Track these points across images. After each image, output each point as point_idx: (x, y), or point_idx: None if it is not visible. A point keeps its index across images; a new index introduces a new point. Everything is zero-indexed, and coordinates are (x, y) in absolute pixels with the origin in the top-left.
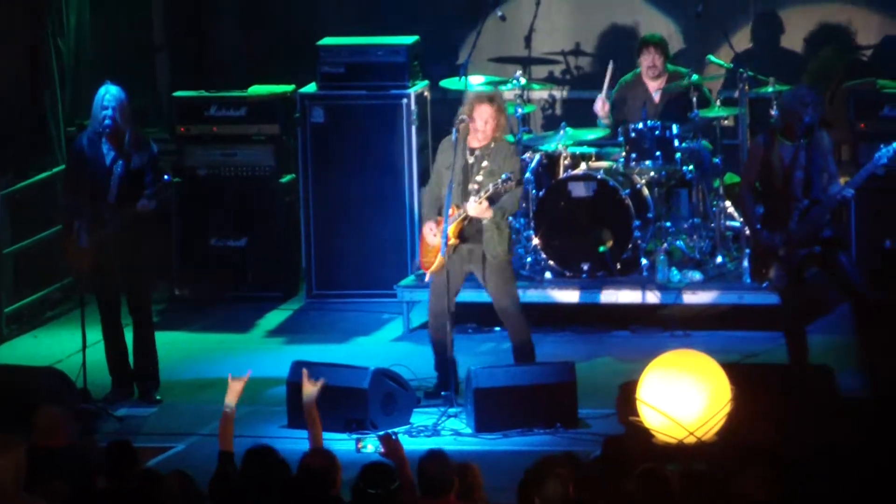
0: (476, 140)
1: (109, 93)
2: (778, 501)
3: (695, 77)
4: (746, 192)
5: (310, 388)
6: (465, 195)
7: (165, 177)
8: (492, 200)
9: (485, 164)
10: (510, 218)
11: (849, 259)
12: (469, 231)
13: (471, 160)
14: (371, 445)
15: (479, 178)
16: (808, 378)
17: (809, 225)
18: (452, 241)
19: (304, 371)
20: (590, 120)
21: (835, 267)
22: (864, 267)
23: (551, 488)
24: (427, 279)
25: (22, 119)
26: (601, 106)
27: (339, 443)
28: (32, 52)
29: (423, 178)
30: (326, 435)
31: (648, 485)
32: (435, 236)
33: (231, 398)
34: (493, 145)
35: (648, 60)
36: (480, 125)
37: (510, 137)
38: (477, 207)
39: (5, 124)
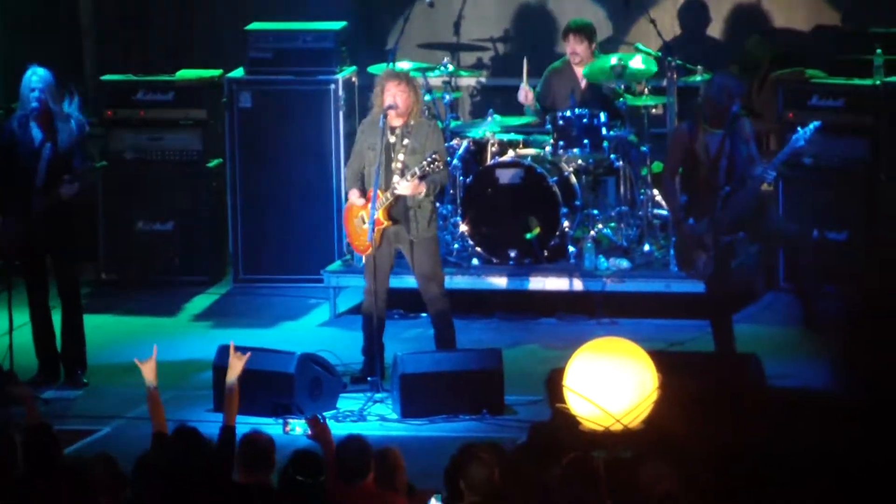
0: (395, 119)
1: (36, 74)
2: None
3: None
4: (669, 181)
5: (236, 363)
6: (389, 175)
7: (89, 162)
8: (421, 178)
9: (406, 142)
10: (437, 203)
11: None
12: (396, 211)
13: (392, 139)
14: (299, 428)
15: (402, 157)
16: (733, 366)
17: (733, 211)
18: (384, 223)
19: (232, 344)
20: (517, 107)
21: (765, 231)
22: (792, 258)
23: (476, 472)
24: (364, 261)
25: None
26: (524, 95)
27: (265, 427)
28: None
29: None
30: (253, 419)
31: (576, 472)
32: (361, 209)
33: (149, 377)
34: (412, 123)
35: (570, 47)
36: (391, 100)
37: (439, 124)
38: (408, 185)
39: None
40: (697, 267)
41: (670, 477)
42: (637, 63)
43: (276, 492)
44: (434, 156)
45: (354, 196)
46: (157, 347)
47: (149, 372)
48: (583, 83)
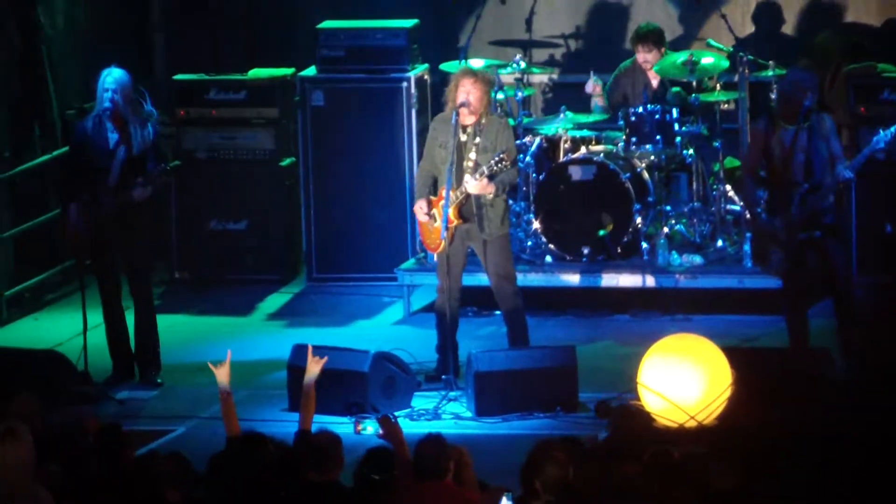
0: (467, 117)
1: (111, 75)
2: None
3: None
4: (748, 177)
5: (313, 367)
6: (461, 174)
7: (163, 165)
8: (490, 177)
9: (478, 140)
10: (510, 200)
11: (840, 250)
12: (467, 210)
13: (464, 138)
14: (370, 427)
15: (473, 155)
16: (808, 361)
17: (809, 209)
18: (455, 221)
19: (310, 347)
20: (589, 104)
21: (826, 256)
22: (866, 252)
23: (551, 472)
24: (436, 260)
25: (19, 102)
26: (592, 86)
27: (338, 426)
28: (26, 33)
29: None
30: (327, 418)
31: (658, 467)
32: (427, 215)
33: (223, 381)
34: (484, 121)
35: (642, 56)
36: (464, 98)
37: (511, 121)
38: (477, 184)
39: (1, 107)
40: (772, 262)
41: (734, 473)
42: (708, 59)
43: (348, 490)
44: (502, 155)
45: (419, 207)
46: (231, 347)
47: (223, 376)
48: (654, 81)
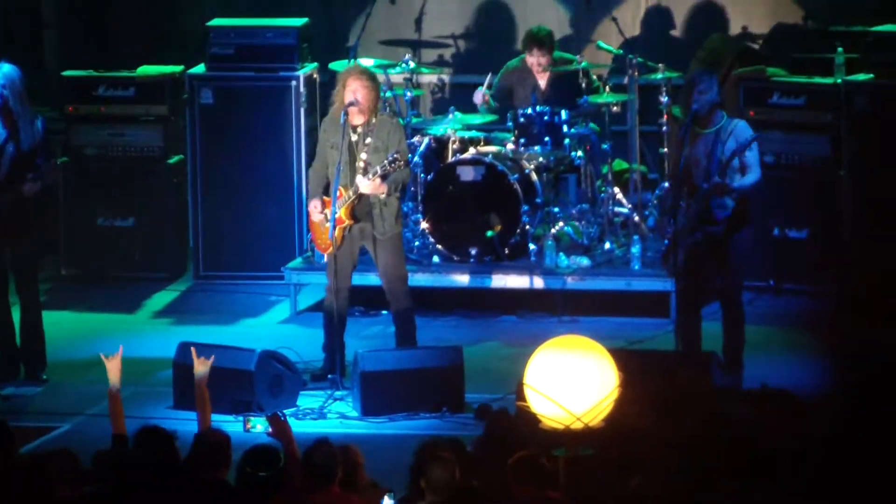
0: (356, 116)
1: (1, 70)
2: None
3: (584, 63)
4: (668, 179)
5: (200, 367)
6: (353, 174)
7: (52, 160)
8: (383, 177)
9: (369, 140)
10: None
11: (729, 254)
12: (360, 210)
13: (354, 137)
14: (260, 425)
15: (364, 155)
16: (691, 366)
17: (693, 213)
18: (347, 221)
19: (193, 349)
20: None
21: (707, 260)
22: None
23: (437, 473)
24: (325, 259)
25: None
26: (480, 98)
27: (226, 424)
28: None
29: (312, 161)
30: (214, 416)
31: (524, 471)
32: (321, 213)
33: (113, 377)
34: (374, 121)
35: (532, 60)
36: (351, 97)
37: (401, 121)
38: (370, 184)
39: None
40: (669, 262)
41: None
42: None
43: (233, 488)
44: (396, 155)
45: (314, 206)
46: (118, 344)
47: (113, 371)
48: (542, 82)
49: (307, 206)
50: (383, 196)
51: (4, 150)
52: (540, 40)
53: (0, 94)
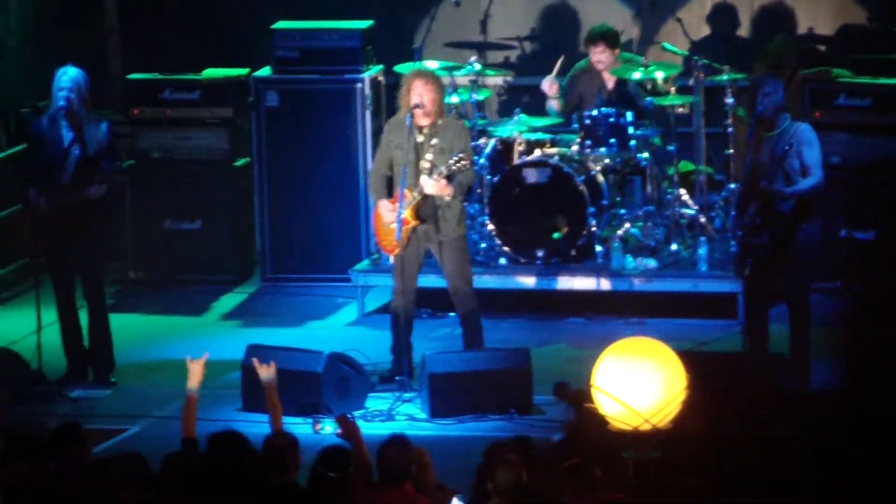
0: (423, 118)
1: (67, 74)
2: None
3: (652, 65)
4: (735, 180)
5: (264, 373)
6: (417, 175)
7: (118, 163)
8: (448, 178)
9: (434, 141)
10: (465, 202)
11: (794, 257)
12: (424, 211)
13: (420, 139)
14: (329, 427)
15: (430, 156)
16: (759, 368)
17: (760, 215)
18: (412, 222)
19: (255, 360)
20: (544, 107)
21: (775, 262)
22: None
23: (503, 475)
24: (391, 261)
25: None
26: (549, 86)
27: (294, 426)
28: None
29: None
30: (284, 419)
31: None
32: (391, 211)
33: (193, 383)
34: (440, 122)
35: (595, 56)
36: (417, 99)
37: (466, 123)
38: (435, 185)
39: None
40: (738, 265)
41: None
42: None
43: (304, 490)
44: (460, 155)
45: (384, 206)
46: (185, 347)
47: (196, 375)
48: (609, 83)
49: (373, 207)
50: (448, 198)
51: (70, 153)
52: (601, 35)
53: (67, 98)
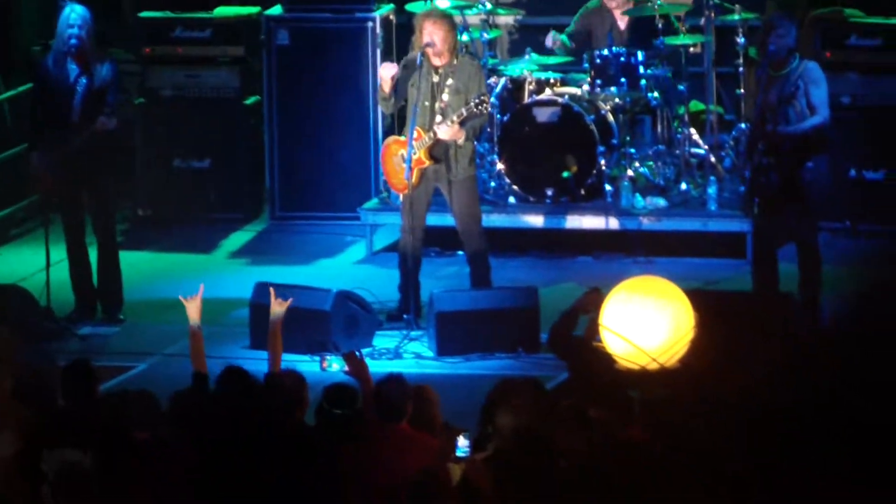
0: (437, 58)
1: (75, 11)
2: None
3: (660, 3)
4: (746, 120)
5: (277, 308)
6: (432, 115)
7: (124, 96)
8: (462, 122)
9: (449, 81)
10: (475, 141)
11: (802, 197)
12: (438, 151)
13: (435, 79)
14: (336, 364)
15: (445, 97)
16: (770, 307)
17: (768, 154)
18: (425, 162)
19: (272, 289)
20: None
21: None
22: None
23: (503, 419)
24: (401, 200)
25: None
26: (552, 41)
27: (302, 364)
28: None
29: None
30: (290, 356)
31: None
32: (402, 144)
33: (193, 316)
34: (455, 62)
35: None
36: (428, 39)
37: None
38: (448, 130)
39: None
40: (746, 203)
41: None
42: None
43: (311, 428)
44: (482, 97)
45: (386, 67)
46: (193, 285)
47: (193, 310)
48: (620, 23)
49: (382, 141)
50: (461, 141)
51: (75, 88)
52: None
53: (77, 37)
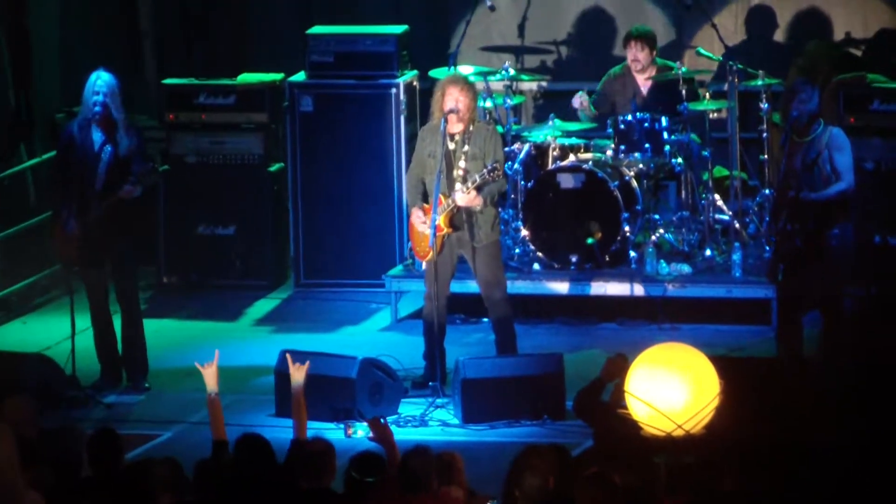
0: (455, 125)
1: (101, 79)
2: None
3: (684, 70)
4: (770, 186)
5: (296, 374)
6: (451, 182)
7: (150, 164)
8: (479, 188)
9: (466, 148)
10: (499, 207)
11: (829, 261)
12: (458, 218)
13: (452, 146)
14: (361, 431)
15: (462, 163)
16: (795, 371)
17: (794, 220)
18: (445, 230)
19: (289, 356)
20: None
21: (809, 266)
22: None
23: (529, 481)
24: (423, 267)
25: (7, 105)
26: (579, 102)
27: (327, 432)
28: (13, 37)
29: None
30: (315, 424)
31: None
32: (423, 223)
33: (210, 384)
34: (472, 128)
35: (632, 54)
36: (453, 105)
37: (500, 128)
38: (465, 197)
39: None
40: (771, 270)
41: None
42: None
43: (339, 496)
44: (495, 164)
45: (417, 216)
46: (219, 352)
47: (210, 377)
48: (644, 88)
49: (408, 213)
50: (478, 208)
51: (100, 156)
52: (641, 34)
53: (102, 104)
